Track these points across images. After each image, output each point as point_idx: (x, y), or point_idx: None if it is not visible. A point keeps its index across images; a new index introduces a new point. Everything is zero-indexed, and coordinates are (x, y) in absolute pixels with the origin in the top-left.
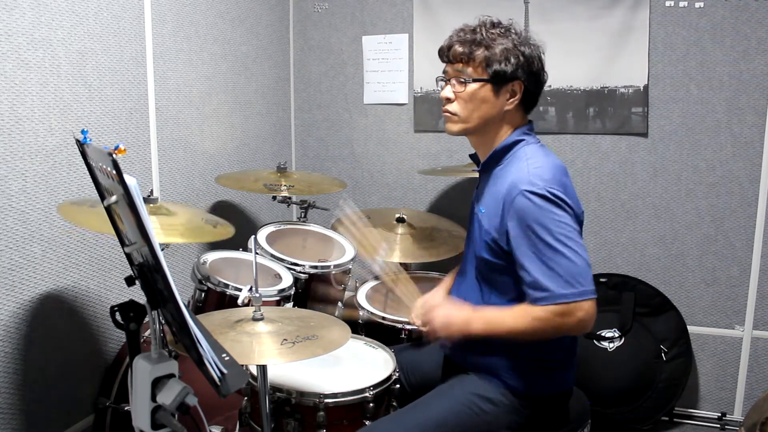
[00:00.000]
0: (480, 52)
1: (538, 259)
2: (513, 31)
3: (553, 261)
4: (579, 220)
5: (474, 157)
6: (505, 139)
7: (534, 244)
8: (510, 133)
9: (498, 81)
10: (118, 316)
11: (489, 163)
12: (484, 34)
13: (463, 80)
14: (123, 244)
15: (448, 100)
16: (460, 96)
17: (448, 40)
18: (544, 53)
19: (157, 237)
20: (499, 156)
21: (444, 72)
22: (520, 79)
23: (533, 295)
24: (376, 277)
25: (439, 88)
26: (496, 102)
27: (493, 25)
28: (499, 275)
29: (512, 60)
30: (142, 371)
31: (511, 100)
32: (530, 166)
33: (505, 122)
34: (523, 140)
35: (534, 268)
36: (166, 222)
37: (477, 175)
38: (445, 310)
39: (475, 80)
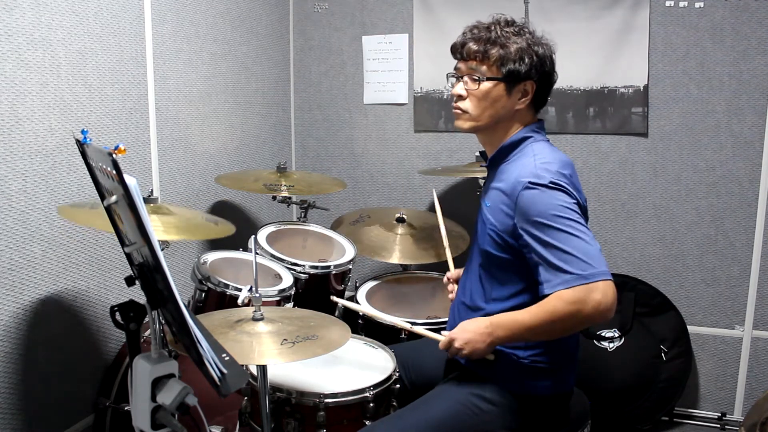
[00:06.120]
0: (495, 51)
1: (552, 246)
2: (527, 30)
3: (566, 244)
4: (583, 211)
5: (483, 152)
6: (513, 135)
7: (545, 232)
8: (519, 130)
9: (511, 80)
10: (118, 316)
11: (496, 159)
12: (499, 33)
13: (476, 78)
14: (123, 244)
15: (460, 97)
16: (473, 94)
17: (461, 37)
18: (555, 53)
19: (160, 234)
20: (506, 151)
21: (456, 69)
22: (533, 79)
23: (553, 280)
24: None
25: (450, 85)
26: (508, 101)
27: (507, 23)
28: (502, 271)
29: (526, 60)
30: (142, 371)
31: (523, 99)
32: (537, 161)
33: (516, 120)
34: (531, 137)
35: (550, 255)
36: (167, 220)
37: (476, 174)
38: (463, 326)
39: (488, 79)
